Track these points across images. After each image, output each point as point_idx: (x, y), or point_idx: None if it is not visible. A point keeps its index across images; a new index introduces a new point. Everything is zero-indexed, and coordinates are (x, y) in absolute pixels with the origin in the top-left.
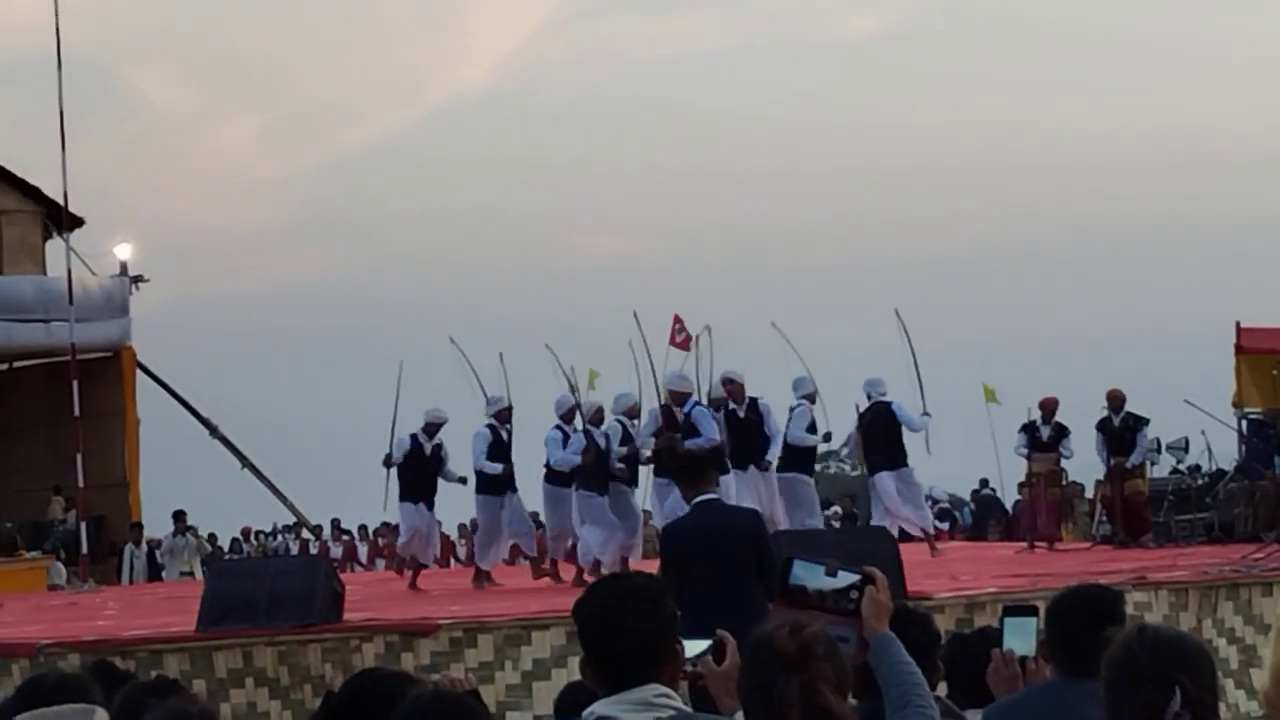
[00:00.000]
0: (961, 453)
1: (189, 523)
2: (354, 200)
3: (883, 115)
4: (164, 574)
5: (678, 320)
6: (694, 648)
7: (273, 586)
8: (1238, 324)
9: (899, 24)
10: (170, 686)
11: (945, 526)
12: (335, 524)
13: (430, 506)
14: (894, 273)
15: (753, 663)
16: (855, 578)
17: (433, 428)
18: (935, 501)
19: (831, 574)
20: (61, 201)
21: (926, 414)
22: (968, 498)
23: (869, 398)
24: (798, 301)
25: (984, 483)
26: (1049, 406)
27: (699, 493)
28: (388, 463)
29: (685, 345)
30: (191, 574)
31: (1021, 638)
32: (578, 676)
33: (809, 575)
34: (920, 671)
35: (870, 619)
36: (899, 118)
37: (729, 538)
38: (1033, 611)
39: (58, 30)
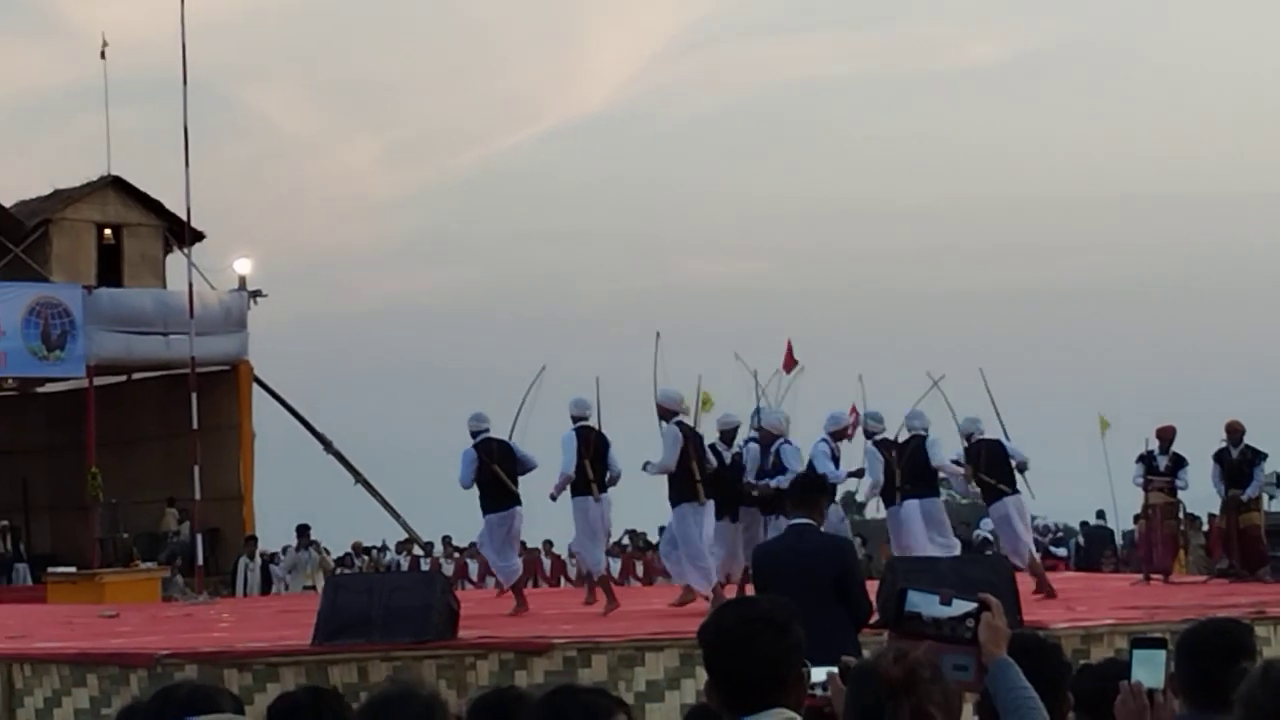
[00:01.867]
0: (1076, 483)
1: (312, 537)
2: (470, 220)
3: (999, 142)
4: (286, 587)
5: (790, 347)
6: (819, 674)
7: (389, 602)
8: None
9: (1019, 51)
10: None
11: (1062, 554)
12: (447, 541)
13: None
14: (1012, 300)
15: (859, 690)
16: (971, 605)
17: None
18: (1047, 530)
19: (946, 602)
20: (183, 216)
21: (957, 462)
22: (1078, 528)
23: (909, 430)
24: (909, 330)
25: (1100, 514)
26: (1166, 435)
27: (797, 517)
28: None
29: (790, 367)
30: (314, 588)
31: (1150, 670)
32: (691, 699)
33: (924, 604)
34: (1038, 698)
35: (988, 645)
36: (1016, 144)
37: (813, 563)
38: (1162, 644)
39: (184, 49)
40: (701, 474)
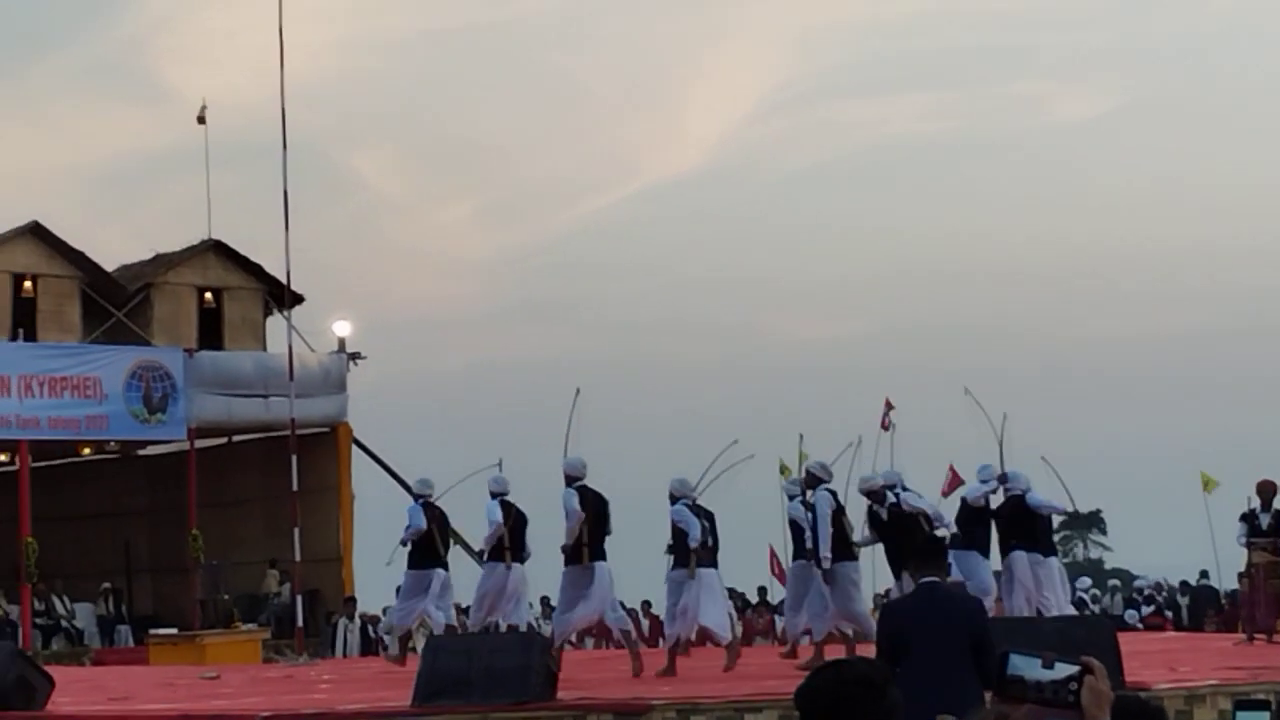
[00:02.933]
0: (1179, 542)
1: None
2: (566, 279)
3: (1098, 196)
4: (386, 649)
5: (889, 404)
6: None
7: (488, 663)
8: None
9: (1115, 105)
10: None
11: (1169, 615)
12: (545, 601)
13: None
14: (1111, 358)
15: None
16: (1074, 668)
17: None
18: (1160, 589)
19: (1049, 665)
20: (283, 279)
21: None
22: (1179, 587)
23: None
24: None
25: (1203, 574)
26: (1267, 490)
27: (925, 575)
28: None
29: (886, 425)
30: (414, 649)
31: None
32: None
33: (1026, 667)
34: None
35: (1091, 709)
36: (1107, 195)
37: (949, 619)
38: (1265, 706)
39: (283, 113)
40: (596, 538)
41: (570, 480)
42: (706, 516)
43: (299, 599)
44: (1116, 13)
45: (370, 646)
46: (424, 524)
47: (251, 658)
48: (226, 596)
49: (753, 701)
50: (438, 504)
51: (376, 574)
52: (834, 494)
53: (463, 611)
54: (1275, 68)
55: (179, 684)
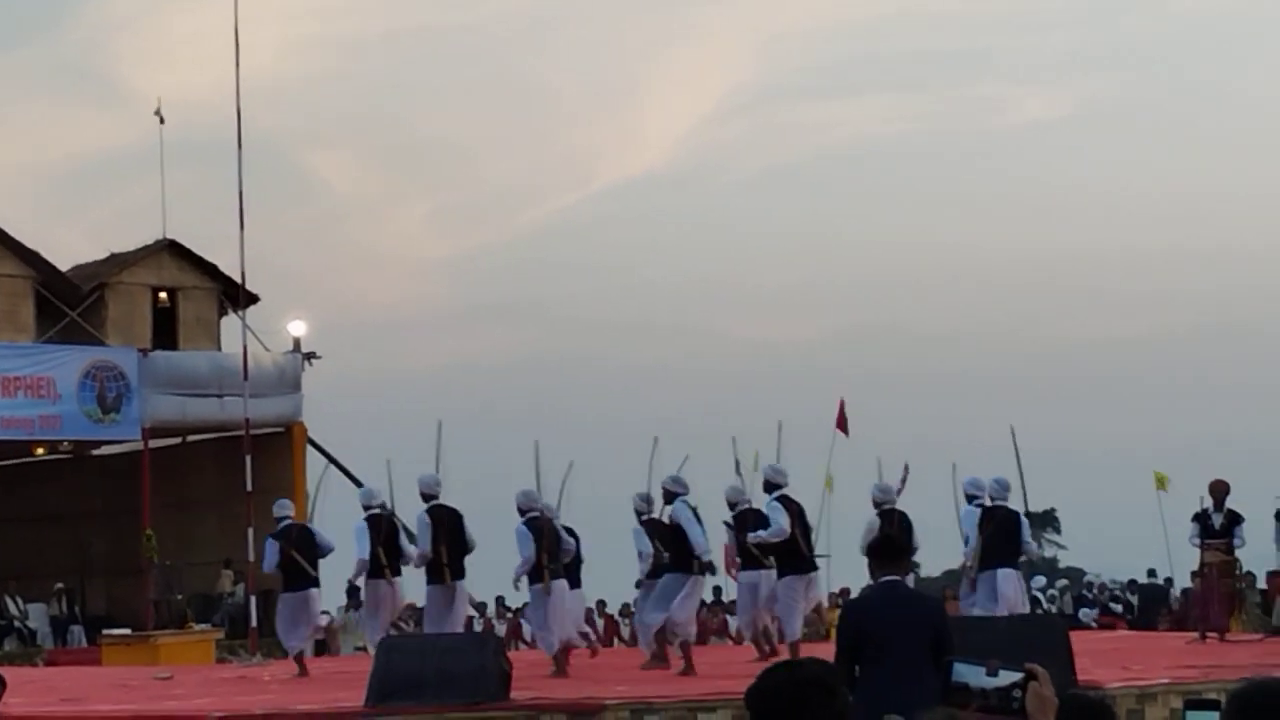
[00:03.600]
0: (1133, 542)
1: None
2: (524, 280)
3: (1051, 195)
4: (340, 649)
5: (842, 405)
6: None
7: (441, 664)
8: None
9: (1073, 107)
10: None
11: (1120, 614)
12: (500, 601)
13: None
14: (1066, 359)
15: None
16: (1017, 675)
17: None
18: (1104, 589)
19: (993, 673)
20: (238, 279)
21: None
22: (1128, 586)
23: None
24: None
25: (1151, 573)
26: (1218, 490)
27: (885, 573)
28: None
29: (845, 425)
30: (365, 649)
31: None
32: None
33: (970, 675)
34: None
35: (1036, 715)
36: (1067, 197)
37: (910, 616)
38: (1216, 705)
39: (239, 112)
40: (455, 555)
41: (426, 499)
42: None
43: (253, 599)
44: (1078, 15)
45: (324, 648)
46: (274, 563)
47: (205, 658)
48: (180, 597)
49: (706, 701)
50: (297, 524)
51: (332, 574)
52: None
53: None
54: (1236, 72)
55: (132, 684)
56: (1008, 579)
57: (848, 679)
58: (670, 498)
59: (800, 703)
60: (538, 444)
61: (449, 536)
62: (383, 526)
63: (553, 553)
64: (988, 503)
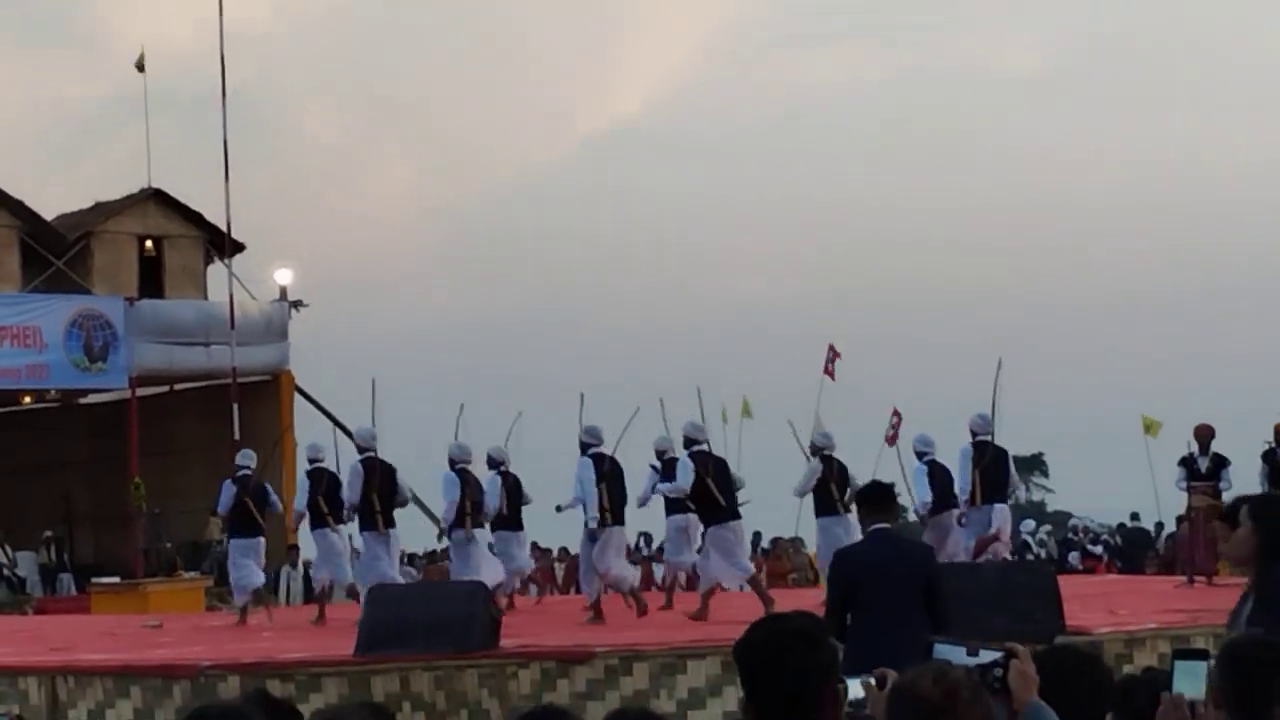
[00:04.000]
0: (1121, 485)
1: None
2: (506, 231)
3: (1036, 148)
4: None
5: (831, 349)
6: (855, 689)
7: (431, 612)
8: None
9: (1056, 58)
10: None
11: (1098, 552)
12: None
13: None
14: (1051, 302)
15: (898, 711)
16: (998, 654)
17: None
18: (1089, 532)
19: (974, 653)
20: (224, 228)
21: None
22: (1116, 529)
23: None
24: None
25: (1134, 516)
26: (1203, 434)
27: (875, 522)
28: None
29: (832, 371)
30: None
31: (1192, 681)
32: (733, 706)
33: (952, 655)
34: None
35: (1019, 692)
36: (1051, 151)
37: (901, 566)
38: (1204, 655)
39: (222, 63)
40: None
41: (361, 451)
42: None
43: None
44: None
45: (313, 594)
46: (227, 507)
47: (194, 606)
48: (169, 545)
49: (695, 649)
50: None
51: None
52: (599, 458)
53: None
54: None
55: (121, 633)
56: (1001, 513)
57: (838, 628)
58: (585, 448)
59: (786, 653)
60: (462, 405)
61: (381, 487)
62: (324, 478)
63: (476, 503)
64: (969, 440)
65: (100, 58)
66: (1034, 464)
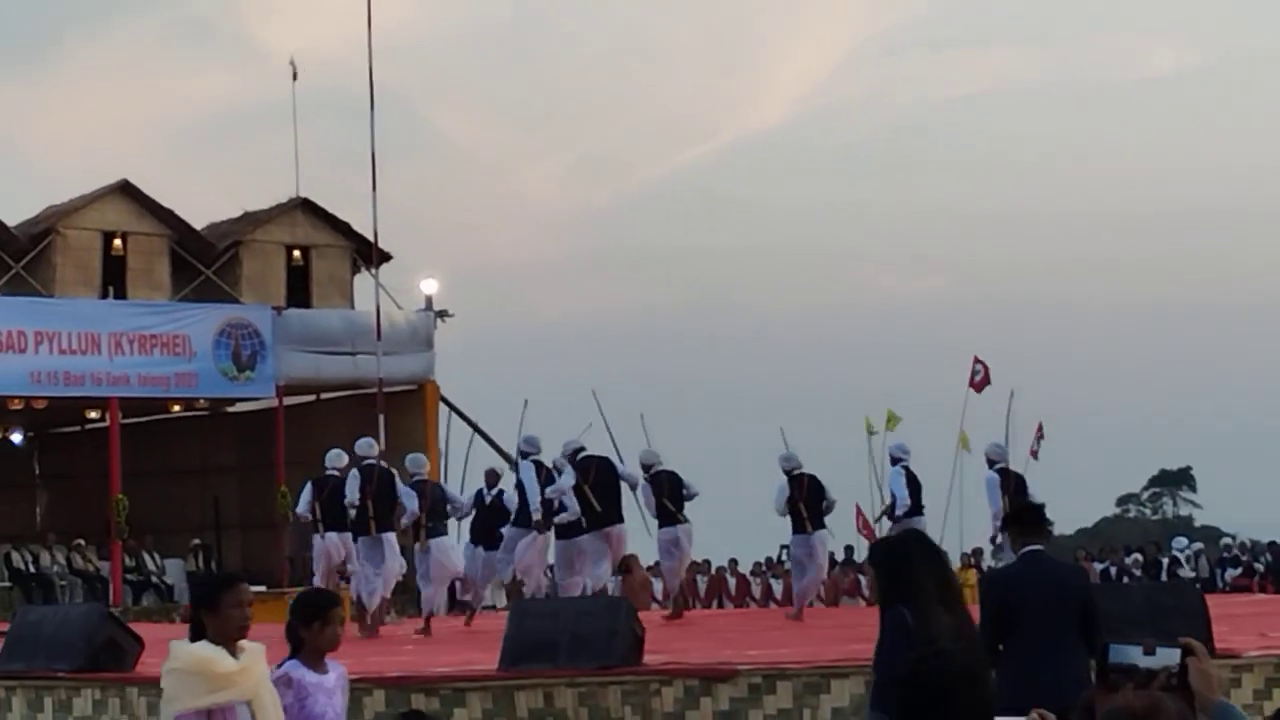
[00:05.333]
0: (1273, 499)
1: None
2: (651, 236)
3: (1182, 155)
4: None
5: (978, 361)
6: (1170, 655)
7: (574, 627)
8: None
9: (1201, 61)
10: None
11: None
12: (634, 559)
13: None
14: (1199, 313)
15: None
16: (1175, 652)
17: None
18: (1245, 550)
19: (1150, 652)
20: (370, 237)
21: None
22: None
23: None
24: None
25: None
26: None
27: (1028, 543)
28: None
29: (980, 387)
30: (494, 607)
31: None
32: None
33: (1129, 655)
34: None
35: (1202, 691)
36: (1199, 158)
37: (1057, 589)
38: None
39: (370, 70)
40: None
41: (360, 459)
42: None
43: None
44: None
45: (457, 605)
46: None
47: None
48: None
49: (840, 667)
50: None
51: (465, 531)
52: (539, 465)
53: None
54: None
55: (267, 643)
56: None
57: (991, 654)
58: (523, 456)
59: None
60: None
61: (376, 493)
62: (329, 485)
63: (432, 512)
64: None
65: (250, 66)
66: (1181, 478)
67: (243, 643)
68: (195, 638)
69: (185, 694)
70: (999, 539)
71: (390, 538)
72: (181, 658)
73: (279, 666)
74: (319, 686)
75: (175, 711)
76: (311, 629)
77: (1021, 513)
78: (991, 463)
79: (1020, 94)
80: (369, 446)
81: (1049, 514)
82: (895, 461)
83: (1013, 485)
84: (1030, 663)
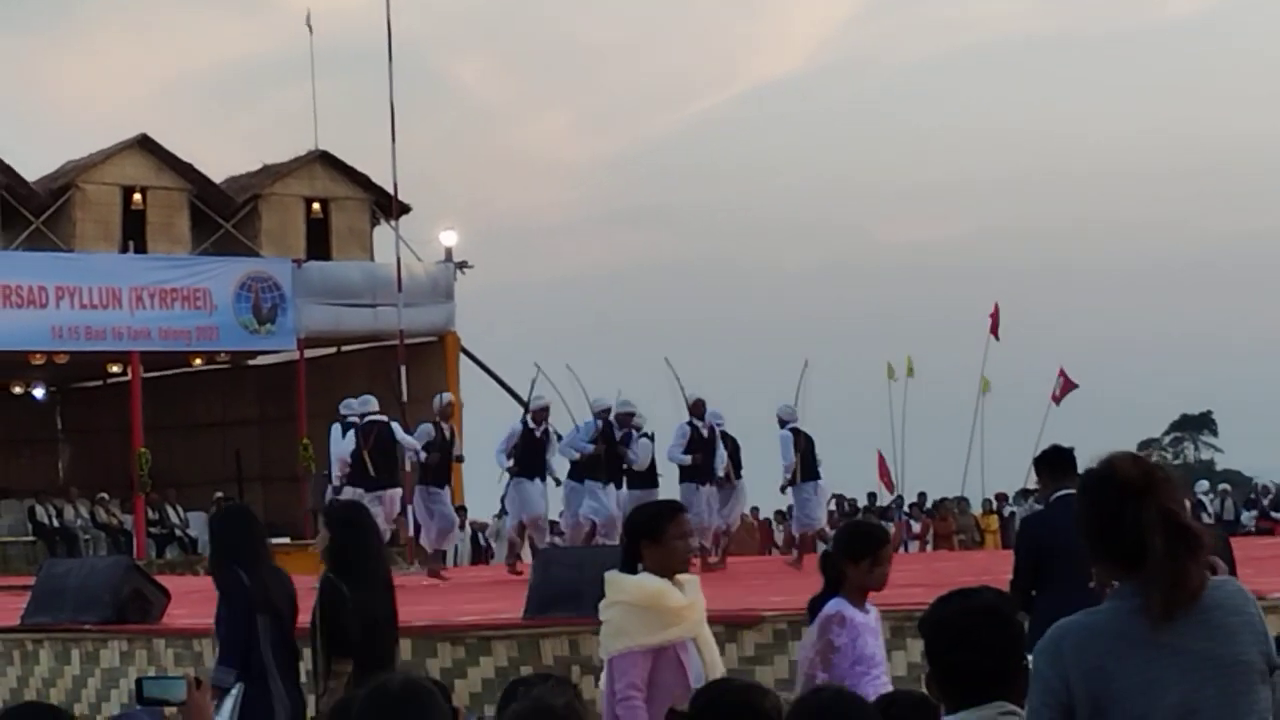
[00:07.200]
0: None
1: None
2: (670, 183)
3: (1212, 91)
4: (494, 556)
5: (996, 307)
6: None
7: (598, 575)
8: None
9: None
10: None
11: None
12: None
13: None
14: (1222, 255)
15: (1098, 496)
16: None
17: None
18: (1269, 493)
19: None
20: (389, 189)
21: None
22: None
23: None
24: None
25: None
26: None
27: (1060, 487)
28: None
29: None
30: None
31: None
32: (902, 671)
33: None
34: None
35: None
36: (1229, 92)
37: None
38: None
39: (388, 21)
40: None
41: (361, 415)
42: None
43: (408, 508)
44: None
45: (480, 555)
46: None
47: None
48: None
49: None
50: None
51: (485, 482)
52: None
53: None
54: None
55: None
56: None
57: (1024, 600)
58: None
59: (975, 630)
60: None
61: (374, 448)
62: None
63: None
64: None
65: (265, 17)
66: (1202, 422)
67: (680, 575)
68: (628, 570)
69: (637, 630)
70: (788, 491)
71: (394, 494)
72: (630, 590)
73: (825, 604)
74: (865, 626)
75: (622, 648)
76: (860, 566)
77: (1053, 457)
78: (783, 422)
79: (1035, 37)
80: (364, 404)
81: None
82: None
83: (803, 444)
84: (1065, 606)
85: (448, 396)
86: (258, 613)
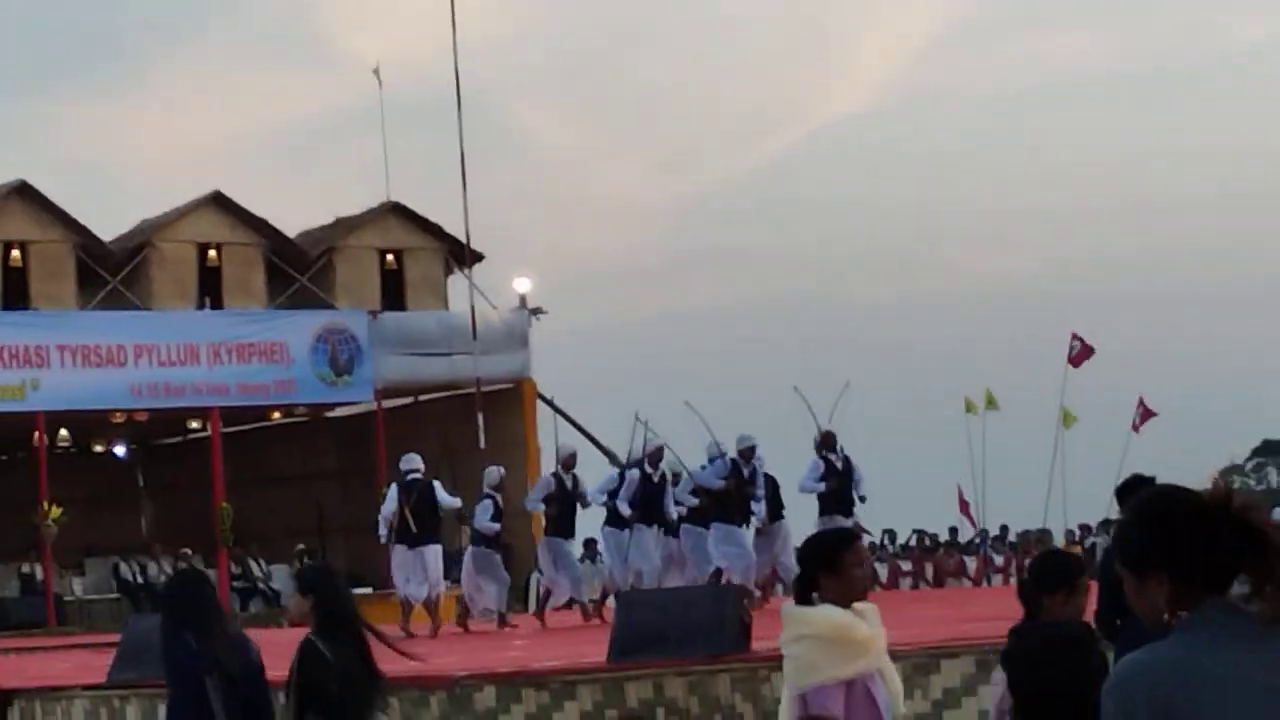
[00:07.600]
0: None
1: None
2: (744, 223)
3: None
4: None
5: (1075, 337)
6: None
7: (683, 616)
8: None
9: None
10: None
11: None
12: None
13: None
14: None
15: (1175, 519)
16: None
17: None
18: None
19: None
20: (462, 238)
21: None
22: None
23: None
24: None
25: None
26: None
27: None
28: None
29: (1078, 361)
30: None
31: None
32: (988, 705)
33: None
34: None
35: None
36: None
37: None
38: None
39: (456, 71)
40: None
41: (405, 473)
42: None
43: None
44: None
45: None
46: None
47: (445, 615)
48: None
49: (949, 647)
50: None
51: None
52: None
53: None
54: None
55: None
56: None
57: (1109, 629)
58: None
59: (1057, 662)
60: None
61: (415, 505)
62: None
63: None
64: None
65: (335, 72)
66: None
67: (858, 605)
68: (803, 601)
69: (828, 663)
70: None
71: (434, 549)
72: (817, 623)
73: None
74: None
75: (815, 683)
76: (1056, 597)
77: (1136, 486)
78: (711, 459)
79: (1103, 73)
80: (409, 463)
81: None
82: (752, 455)
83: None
84: (1150, 636)
85: (570, 447)
86: (205, 674)
